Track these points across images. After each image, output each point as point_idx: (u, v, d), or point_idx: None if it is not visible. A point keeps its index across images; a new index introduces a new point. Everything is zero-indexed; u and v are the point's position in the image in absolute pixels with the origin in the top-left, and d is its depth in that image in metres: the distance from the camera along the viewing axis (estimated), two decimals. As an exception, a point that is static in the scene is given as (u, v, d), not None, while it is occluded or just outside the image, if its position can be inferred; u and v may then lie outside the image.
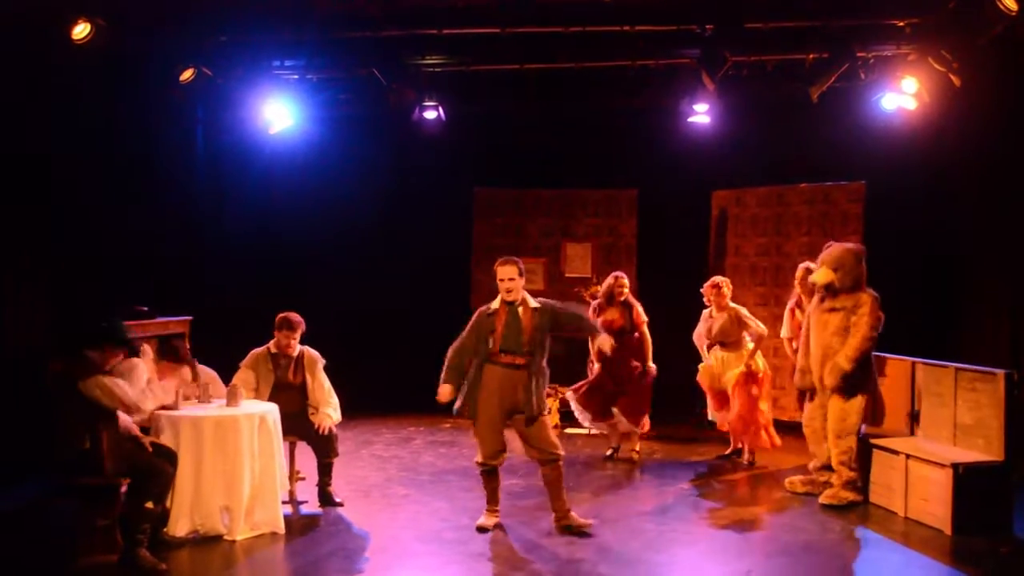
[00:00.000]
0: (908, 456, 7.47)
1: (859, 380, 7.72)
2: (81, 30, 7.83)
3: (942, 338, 9.74)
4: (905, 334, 9.49)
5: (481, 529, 7.01)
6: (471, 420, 7.06)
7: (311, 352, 7.68)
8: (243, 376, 7.50)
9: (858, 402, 7.71)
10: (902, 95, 9.35)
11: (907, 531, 7.16)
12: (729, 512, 7.60)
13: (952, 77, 8.69)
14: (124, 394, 6.07)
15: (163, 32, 8.87)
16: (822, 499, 7.74)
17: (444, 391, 6.98)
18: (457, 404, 7.04)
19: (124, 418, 6.34)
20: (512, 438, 7.18)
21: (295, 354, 7.61)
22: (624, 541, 6.81)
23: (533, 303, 6.97)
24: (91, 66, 8.32)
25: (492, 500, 7.15)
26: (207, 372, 7.45)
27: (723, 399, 9.16)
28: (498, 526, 7.05)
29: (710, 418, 9.56)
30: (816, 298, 8.01)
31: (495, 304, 7.02)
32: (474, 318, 7.08)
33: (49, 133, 8.42)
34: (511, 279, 6.91)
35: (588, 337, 8.39)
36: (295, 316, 7.59)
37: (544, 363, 6.96)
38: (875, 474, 7.82)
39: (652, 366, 9.13)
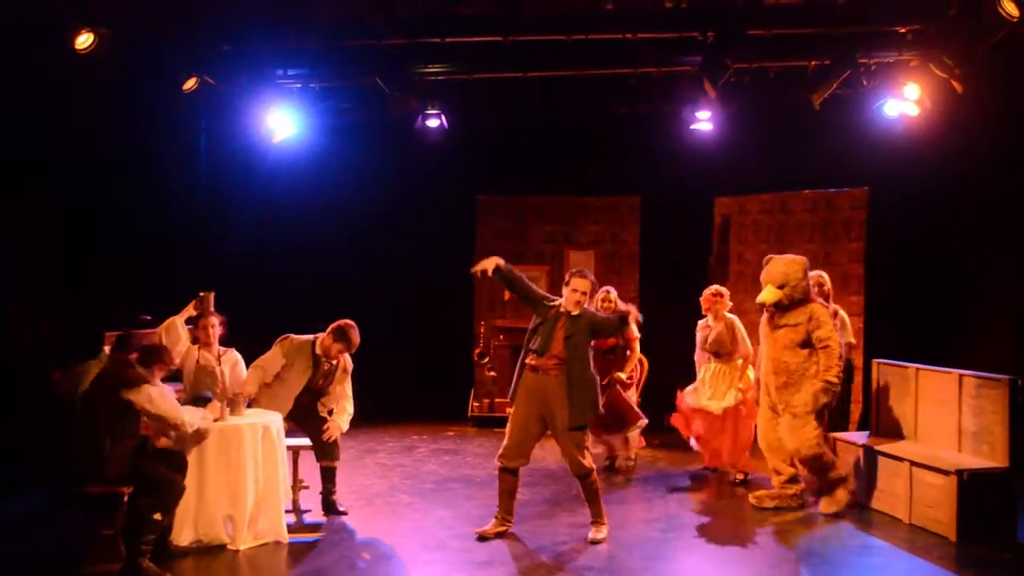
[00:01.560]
0: (912, 463, 7.46)
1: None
2: (84, 40, 7.85)
3: (946, 344, 9.71)
4: (909, 340, 9.49)
5: (480, 537, 6.98)
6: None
7: (347, 361, 7.65)
8: (272, 357, 7.40)
9: (816, 425, 7.61)
10: (904, 101, 9.34)
11: (912, 538, 7.14)
12: (733, 519, 7.59)
13: (954, 83, 8.70)
14: (171, 408, 6.10)
15: (166, 41, 8.90)
16: (822, 509, 7.67)
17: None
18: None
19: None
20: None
21: (335, 362, 7.57)
22: (628, 549, 6.80)
23: (575, 311, 6.87)
24: (94, 75, 8.34)
25: (501, 505, 7.08)
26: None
27: (709, 422, 8.82)
28: (500, 535, 7.01)
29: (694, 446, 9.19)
30: (765, 315, 7.85)
31: (557, 300, 6.96)
32: (544, 294, 7.08)
33: (53, 141, 8.44)
34: (584, 293, 6.84)
35: (624, 328, 7.86)
36: (356, 334, 7.42)
37: (587, 374, 6.83)
38: (879, 481, 7.81)
39: (620, 375, 8.91)
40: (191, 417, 6.26)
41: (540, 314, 6.93)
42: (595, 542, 6.88)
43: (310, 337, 7.50)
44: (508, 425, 7.06)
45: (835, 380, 7.51)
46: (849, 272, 10.74)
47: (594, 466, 6.95)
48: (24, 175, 8.16)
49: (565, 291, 6.90)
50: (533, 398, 6.88)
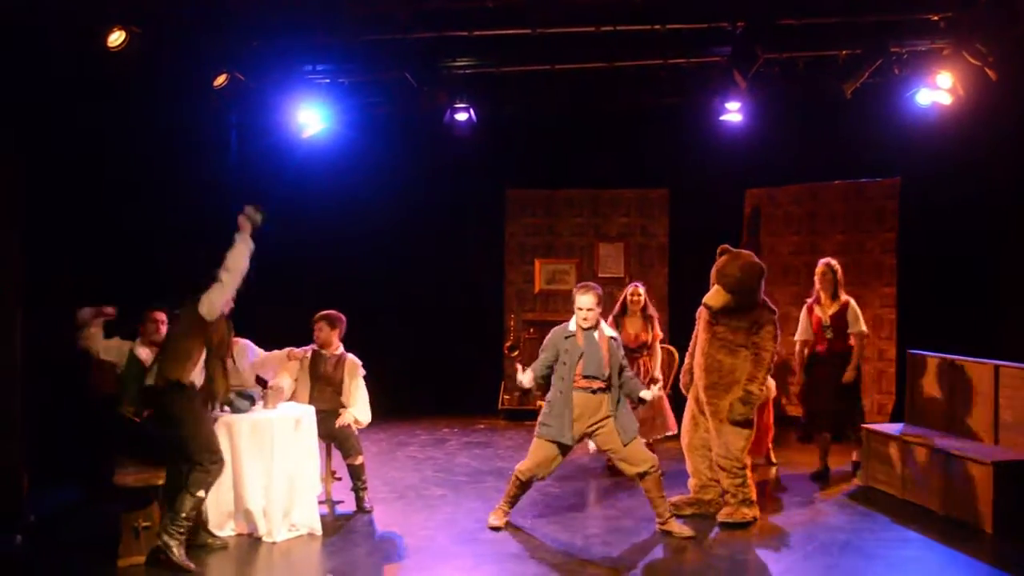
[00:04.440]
0: (948, 454, 7.40)
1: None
2: (116, 38, 7.91)
3: (981, 335, 9.61)
4: (943, 332, 9.40)
5: (493, 528, 7.05)
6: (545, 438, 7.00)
7: (352, 358, 7.76)
8: (288, 367, 7.64)
9: (745, 432, 7.24)
10: (937, 90, 9.24)
11: (946, 530, 7.09)
12: (763, 513, 7.53)
13: (988, 71, 8.59)
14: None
15: (197, 38, 8.94)
16: (721, 516, 7.25)
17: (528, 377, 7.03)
18: (544, 420, 7.03)
19: None
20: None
21: (337, 352, 7.70)
22: (659, 542, 6.80)
23: (609, 332, 7.01)
24: (126, 73, 8.40)
25: (508, 503, 7.18)
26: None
27: None
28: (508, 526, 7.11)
29: None
30: (706, 312, 7.40)
31: (572, 326, 6.97)
32: (551, 338, 7.05)
33: (85, 139, 8.52)
34: (589, 309, 6.88)
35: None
36: (335, 312, 7.75)
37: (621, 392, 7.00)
38: (914, 473, 7.75)
39: (654, 390, 8.77)
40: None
41: (570, 347, 6.91)
42: (682, 535, 6.84)
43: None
44: (544, 449, 6.95)
45: (756, 392, 7.13)
46: (882, 263, 10.66)
47: (655, 457, 6.96)
48: (56, 173, 8.23)
49: (575, 309, 6.96)
50: (585, 417, 6.88)
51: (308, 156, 11.17)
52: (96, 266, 8.66)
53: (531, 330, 11.69)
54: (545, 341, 7.12)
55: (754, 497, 7.30)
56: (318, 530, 6.88)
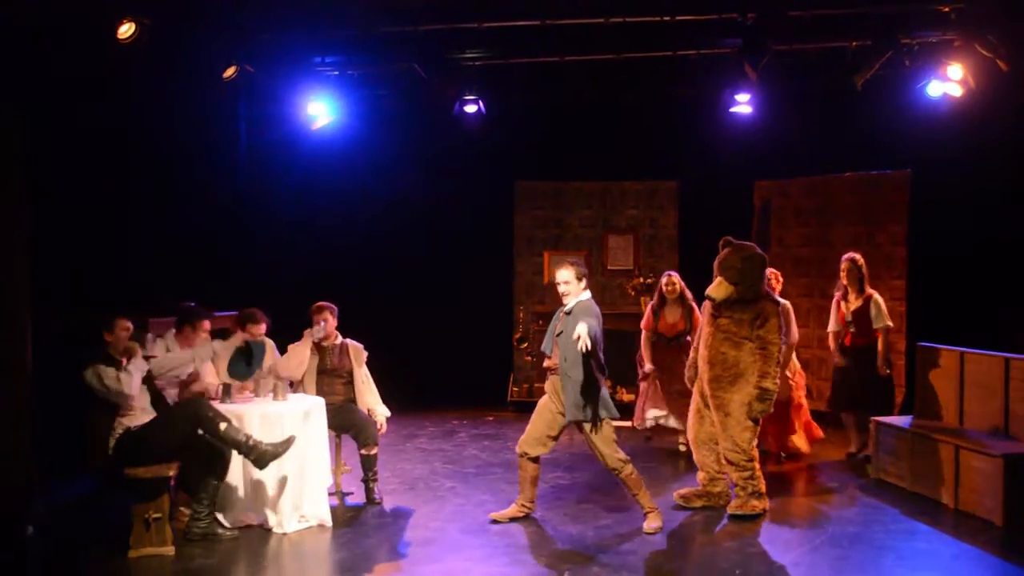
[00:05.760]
0: (958, 447, 7.38)
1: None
2: (126, 30, 7.92)
3: (992, 328, 9.58)
4: (954, 324, 9.39)
5: (493, 520, 7.04)
6: None
7: (355, 343, 7.79)
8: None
9: (751, 425, 7.16)
10: (947, 82, 9.22)
11: (957, 523, 7.08)
12: (774, 503, 7.50)
13: (999, 62, 8.56)
14: (111, 384, 6.27)
15: (206, 30, 8.96)
16: (730, 509, 7.21)
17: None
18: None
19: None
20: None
21: (338, 342, 7.70)
22: (672, 533, 6.81)
23: (567, 308, 6.71)
24: (135, 64, 8.41)
25: (521, 492, 7.15)
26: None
27: None
28: (515, 520, 7.06)
29: None
30: (709, 305, 7.35)
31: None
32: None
33: (93, 133, 8.53)
34: (566, 282, 6.73)
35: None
36: (323, 302, 7.69)
37: (575, 371, 6.54)
38: (924, 466, 7.73)
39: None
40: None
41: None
42: (649, 532, 6.78)
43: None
44: (532, 415, 7.10)
45: (771, 387, 7.06)
46: (892, 255, 10.62)
47: (626, 459, 6.79)
48: (65, 165, 8.25)
49: None
50: (551, 394, 6.93)
51: (317, 148, 11.19)
52: (102, 261, 8.69)
53: (540, 322, 11.68)
54: None
55: (763, 489, 7.29)
56: (328, 521, 6.90)
